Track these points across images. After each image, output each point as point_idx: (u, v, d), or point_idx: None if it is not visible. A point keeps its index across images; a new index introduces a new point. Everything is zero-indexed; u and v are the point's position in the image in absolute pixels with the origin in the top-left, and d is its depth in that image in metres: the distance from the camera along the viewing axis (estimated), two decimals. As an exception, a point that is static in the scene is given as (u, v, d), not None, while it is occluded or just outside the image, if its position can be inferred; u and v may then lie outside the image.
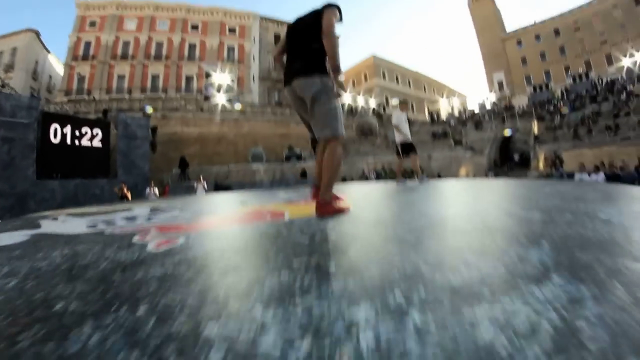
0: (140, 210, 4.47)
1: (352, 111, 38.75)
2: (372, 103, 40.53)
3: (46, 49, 41.71)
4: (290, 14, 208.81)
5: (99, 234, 2.48)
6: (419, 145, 30.64)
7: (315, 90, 2.41)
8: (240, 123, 30.51)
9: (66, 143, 16.14)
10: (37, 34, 39.48)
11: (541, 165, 16.73)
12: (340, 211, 2.43)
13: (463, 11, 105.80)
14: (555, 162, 15.27)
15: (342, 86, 2.50)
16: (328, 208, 2.39)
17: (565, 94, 35.91)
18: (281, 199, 4.68)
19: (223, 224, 2.62)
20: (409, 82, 58.16)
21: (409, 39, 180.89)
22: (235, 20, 42.86)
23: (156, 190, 15.56)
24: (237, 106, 31.54)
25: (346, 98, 36.65)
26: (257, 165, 25.84)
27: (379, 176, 23.32)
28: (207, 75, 37.36)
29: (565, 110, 29.30)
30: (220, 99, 29.56)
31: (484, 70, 56.86)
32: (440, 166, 24.32)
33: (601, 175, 10.40)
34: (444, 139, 30.60)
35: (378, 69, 54.06)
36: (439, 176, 21.92)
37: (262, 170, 25.40)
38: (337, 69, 2.40)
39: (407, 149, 7.71)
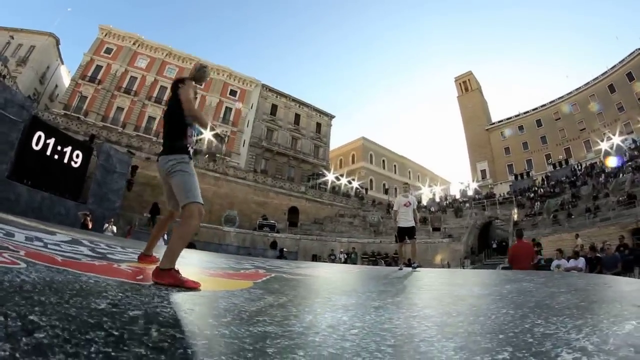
0: (59, 237, 4.67)
1: (334, 190, 39.30)
2: (355, 184, 41.39)
3: (61, 58, 42.39)
4: (291, 87, 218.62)
5: None
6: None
7: (170, 165, 2.63)
8: (220, 183, 30.61)
9: (46, 153, 15.80)
10: (57, 41, 40.27)
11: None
12: (184, 284, 2.36)
13: (452, 101, 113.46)
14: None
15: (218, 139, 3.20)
16: (165, 276, 2.35)
17: (545, 181, 36.82)
18: (212, 267, 4.73)
19: (81, 268, 2.55)
20: (395, 167, 59.89)
21: (398, 123, 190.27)
22: (238, 84, 44.48)
23: (114, 228, 15.00)
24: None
25: (330, 177, 37.61)
26: (228, 228, 25.87)
27: (347, 259, 22.93)
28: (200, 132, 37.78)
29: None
30: (206, 156, 29.80)
31: (468, 159, 58.83)
32: (416, 251, 24.10)
33: (581, 261, 9.99)
34: (422, 225, 30.69)
35: (366, 152, 55.98)
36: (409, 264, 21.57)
37: (232, 235, 25.47)
38: (202, 122, 2.86)
39: (407, 233, 7.63)
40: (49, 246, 3.45)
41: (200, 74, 3.04)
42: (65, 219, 15.37)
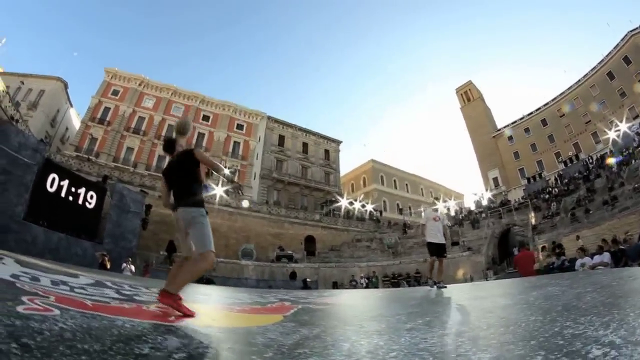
0: (83, 280, 4.73)
1: (348, 215, 39.06)
2: (369, 207, 41.00)
3: (70, 101, 43.36)
4: (296, 116, 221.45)
5: (8, 283, 2.87)
6: (415, 249, 30.07)
7: (192, 217, 3.00)
8: (234, 217, 30.60)
9: (60, 195, 16.11)
10: (66, 85, 41.29)
11: (541, 256, 16.20)
12: (180, 309, 2.73)
13: (456, 113, 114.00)
14: (555, 251, 14.75)
15: (230, 178, 3.40)
16: (169, 298, 2.74)
17: (559, 180, 36.17)
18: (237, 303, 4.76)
19: (113, 312, 2.63)
20: (407, 186, 59.42)
21: (404, 141, 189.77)
22: (244, 118, 45.24)
23: (132, 267, 15.12)
24: (245, 203, 31.64)
25: (343, 202, 37.60)
26: (246, 262, 25.67)
27: (368, 283, 22.64)
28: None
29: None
30: (218, 191, 29.89)
31: (478, 169, 58.38)
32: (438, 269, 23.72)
33: (606, 255, 9.76)
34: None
35: (376, 174, 55.80)
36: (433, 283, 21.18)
37: (250, 268, 25.18)
38: (218, 169, 3.25)
39: (438, 249, 7.32)
40: (75, 290, 3.55)
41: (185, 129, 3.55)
42: (83, 259, 15.53)
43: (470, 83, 63.46)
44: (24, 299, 2.22)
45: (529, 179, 45.34)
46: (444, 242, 7.34)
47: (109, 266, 14.23)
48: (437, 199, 9.62)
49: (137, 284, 5.83)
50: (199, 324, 2.46)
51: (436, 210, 7.81)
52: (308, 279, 21.66)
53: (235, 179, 3.69)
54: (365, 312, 4.15)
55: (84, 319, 2.02)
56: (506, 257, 24.94)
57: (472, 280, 20.31)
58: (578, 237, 17.24)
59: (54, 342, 1.42)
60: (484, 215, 33.31)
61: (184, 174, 3.20)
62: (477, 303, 3.75)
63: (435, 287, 7.02)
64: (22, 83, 36.66)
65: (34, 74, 39.08)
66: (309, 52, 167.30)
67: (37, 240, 14.64)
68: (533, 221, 25.66)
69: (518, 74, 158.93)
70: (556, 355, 1.20)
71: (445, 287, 7.00)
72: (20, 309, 1.88)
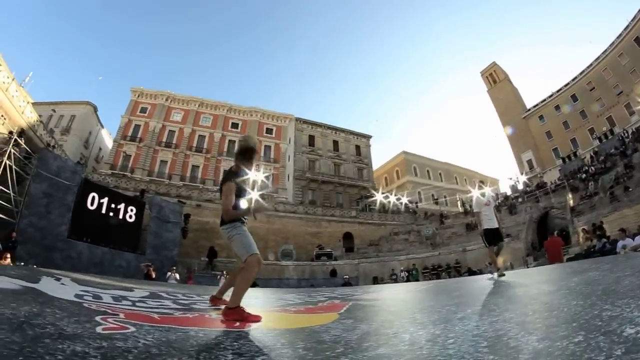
0: (138, 292, 4.85)
1: (384, 209, 38.91)
2: (404, 199, 40.39)
3: (100, 123, 45.20)
4: (325, 115, 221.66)
5: (77, 304, 2.97)
6: (453, 239, 29.62)
7: (227, 232, 3.25)
8: (272, 220, 30.95)
9: (101, 212, 17.06)
10: (95, 108, 43.15)
11: (581, 239, 15.75)
12: (248, 319, 2.86)
13: (483, 96, 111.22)
14: (595, 233, 14.31)
15: (255, 211, 3.55)
16: (232, 314, 2.89)
17: (595, 158, 34.66)
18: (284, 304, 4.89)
19: (181, 323, 2.80)
20: (440, 175, 58.45)
21: (434, 130, 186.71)
22: (272, 122, 46.08)
23: (177, 275, 15.67)
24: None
25: (378, 197, 37.27)
26: (286, 262, 26.15)
27: (409, 276, 22.56)
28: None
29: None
30: (254, 196, 30.36)
31: (511, 152, 56.77)
32: (476, 258, 23.37)
33: None
34: (478, 229, 29.80)
35: (409, 165, 55.26)
36: (472, 272, 20.77)
37: (291, 268, 25.64)
38: (235, 217, 3.29)
39: (494, 236, 7.08)
40: (137, 304, 3.72)
41: (248, 153, 3.58)
42: (127, 270, 16.36)
43: (494, 64, 61.61)
44: (98, 319, 2.31)
45: (563, 159, 43.80)
46: (497, 226, 7.14)
47: (154, 276, 14.73)
48: (482, 182, 9.23)
49: (189, 292, 6.05)
50: (264, 328, 2.64)
51: (484, 195, 7.46)
52: (346, 276, 21.86)
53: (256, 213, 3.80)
54: (415, 305, 4.34)
55: (160, 333, 2.13)
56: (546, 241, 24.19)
57: (512, 267, 19.93)
58: (602, 223, 16.46)
59: (146, 359, 1.51)
60: (520, 199, 32.51)
61: (220, 195, 3.43)
62: (521, 290, 3.88)
63: (495, 275, 6.82)
64: (54, 111, 38.47)
65: (64, 101, 41.11)
66: (330, 49, 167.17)
67: (82, 255, 15.59)
68: (571, 203, 24.77)
69: (542, 51, 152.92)
70: (594, 334, 1.38)
71: (504, 274, 6.81)
72: (99, 329, 1.98)
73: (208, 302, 4.07)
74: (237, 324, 2.75)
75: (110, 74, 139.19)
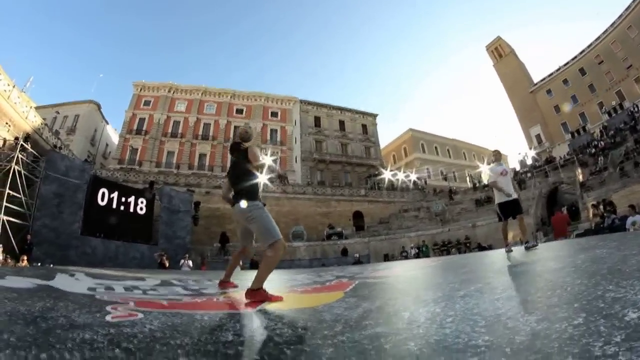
0: (150, 281, 4.98)
1: (393, 186, 38.79)
2: (413, 177, 39.80)
3: (105, 120, 45.52)
4: (330, 96, 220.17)
5: (89, 297, 3.10)
6: (463, 215, 29.46)
7: (248, 211, 3.21)
8: (281, 202, 31.08)
9: (112, 207, 17.35)
10: (98, 106, 43.41)
11: (590, 214, 15.62)
12: (271, 300, 2.87)
13: (490, 72, 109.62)
14: (605, 209, 14.16)
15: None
16: (256, 295, 2.87)
17: (604, 132, 34.01)
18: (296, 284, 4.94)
19: (189, 307, 2.92)
20: (449, 151, 57.98)
21: (441, 106, 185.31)
22: (277, 105, 45.77)
23: (190, 263, 15.90)
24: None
25: (386, 175, 37.27)
26: (297, 243, 26.21)
27: (419, 252, 22.54)
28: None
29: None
30: (262, 179, 30.13)
31: (520, 127, 55.91)
32: (486, 234, 23.34)
33: None
34: (487, 204, 29.59)
35: (416, 142, 54.80)
36: (481, 247, 20.70)
37: (302, 249, 25.72)
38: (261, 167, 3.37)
39: (511, 208, 6.50)
40: (148, 292, 3.82)
41: (247, 136, 3.72)
42: (141, 262, 16.64)
43: (499, 39, 60.36)
44: (108, 308, 2.41)
45: (572, 134, 43.01)
46: (516, 197, 6.50)
47: (167, 264, 14.97)
48: (497, 151, 8.14)
49: (200, 278, 6.15)
50: (270, 308, 2.66)
51: (500, 164, 6.77)
52: (357, 254, 21.89)
53: (279, 168, 3.88)
54: (421, 283, 4.35)
55: (167, 318, 2.21)
56: (556, 217, 23.95)
57: (522, 243, 19.87)
58: (604, 201, 16.16)
59: (150, 342, 1.58)
60: (529, 174, 32.15)
61: (237, 168, 3.49)
62: (527, 268, 3.86)
63: (511, 251, 6.20)
64: (57, 112, 38.73)
65: (66, 102, 41.33)
66: (333, 28, 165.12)
67: (96, 250, 15.91)
68: (580, 178, 24.44)
69: (547, 23, 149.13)
70: (595, 317, 1.35)
71: (537, 245, 6.37)
72: (109, 318, 2.08)
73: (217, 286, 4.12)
74: (242, 305, 2.80)
75: (110, 70, 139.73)
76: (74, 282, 4.40)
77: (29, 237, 13.86)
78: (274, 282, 5.87)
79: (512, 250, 6.25)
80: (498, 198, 6.64)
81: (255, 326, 2.07)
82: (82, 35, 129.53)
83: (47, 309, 2.25)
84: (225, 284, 4.12)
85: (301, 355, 1.44)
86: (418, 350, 1.29)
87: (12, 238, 13.64)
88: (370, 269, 7.59)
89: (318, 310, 2.55)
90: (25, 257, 12.15)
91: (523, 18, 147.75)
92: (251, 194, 3.31)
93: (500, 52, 59.73)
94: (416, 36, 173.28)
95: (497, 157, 6.97)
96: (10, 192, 14.18)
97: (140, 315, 2.19)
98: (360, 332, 1.68)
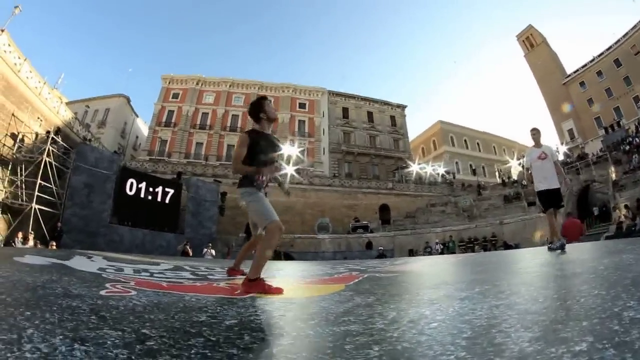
0: (163, 266, 5.19)
1: (421, 180, 38.19)
2: (441, 170, 38.91)
3: (135, 113, 47.06)
4: (359, 86, 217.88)
5: (96, 275, 3.32)
6: (490, 211, 28.71)
7: (240, 197, 3.14)
8: (308, 194, 31.22)
9: (140, 196, 17.94)
10: (128, 99, 44.91)
11: (622, 216, 14.77)
12: (268, 291, 2.70)
13: (521, 62, 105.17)
14: (638, 209, 13.35)
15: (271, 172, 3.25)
16: (253, 286, 2.72)
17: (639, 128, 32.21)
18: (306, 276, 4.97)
19: (185, 290, 3.00)
20: (478, 145, 56.56)
21: (471, 99, 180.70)
22: (305, 96, 45.61)
23: (212, 252, 16.19)
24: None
25: (414, 168, 36.82)
26: (322, 236, 26.31)
27: (444, 248, 22.12)
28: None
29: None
30: (289, 170, 30.43)
31: (551, 120, 53.57)
32: (513, 231, 22.80)
33: None
34: (516, 201, 28.71)
35: (446, 135, 53.61)
36: (507, 246, 20.08)
37: (327, 241, 25.78)
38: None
39: (550, 198, 5.74)
40: (154, 275, 3.91)
41: (254, 109, 3.69)
42: (167, 250, 17.15)
43: (531, 27, 57.61)
44: (107, 285, 2.58)
45: (606, 129, 40.62)
46: (556, 186, 5.67)
47: (190, 253, 15.40)
48: (535, 129, 6.73)
49: (215, 265, 6.27)
50: (260, 296, 2.59)
51: (539, 146, 5.88)
52: (381, 248, 21.79)
53: (284, 185, 3.79)
54: (430, 280, 4.18)
55: (157, 297, 2.32)
56: (586, 217, 22.78)
57: (550, 242, 19.08)
58: (638, 201, 15.17)
59: (125, 314, 1.69)
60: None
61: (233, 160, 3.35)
62: (545, 270, 3.61)
63: (559, 246, 5.33)
64: (88, 107, 40.25)
65: (96, 96, 42.87)
66: (362, 18, 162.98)
67: (124, 238, 16.56)
68: (613, 176, 23.20)
69: (581, 11, 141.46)
70: (604, 344, 1.01)
71: (563, 248, 5.30)
72: (102, 292, 2.24)
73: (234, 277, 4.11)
74: (238, 292, 2.79)
75: (140, 64, 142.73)
76: (89, 262, 4.62)
77: (59, 224, 14.53)
78: (287, 271, 5.85)
79: (555, 249, 5.36)
80: (536, 185, 5.89)
81: (232, 311, 2.02)
82: (114, 27, 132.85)
83: (51, 281, 2.51)
84: (233, 271, 4.12)
85: (255, 343, 1.40)
86: (377, 357, 1.13)
87: (43, 225, 14.40)
88: (388, 263, 7.54)
89: (308, 302, 2.56)
90: (54, 243, 12.71)
91: (556, 8, 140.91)
92: (243, 180, 3.16)
93: (531, 42, 57.12)
94: (446, 26, 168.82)
95: (535, 137, 6.04)
96: (42, 182, 14.99)
97: (133, 293, 2.32)
98: (332, 328, 1.58)
